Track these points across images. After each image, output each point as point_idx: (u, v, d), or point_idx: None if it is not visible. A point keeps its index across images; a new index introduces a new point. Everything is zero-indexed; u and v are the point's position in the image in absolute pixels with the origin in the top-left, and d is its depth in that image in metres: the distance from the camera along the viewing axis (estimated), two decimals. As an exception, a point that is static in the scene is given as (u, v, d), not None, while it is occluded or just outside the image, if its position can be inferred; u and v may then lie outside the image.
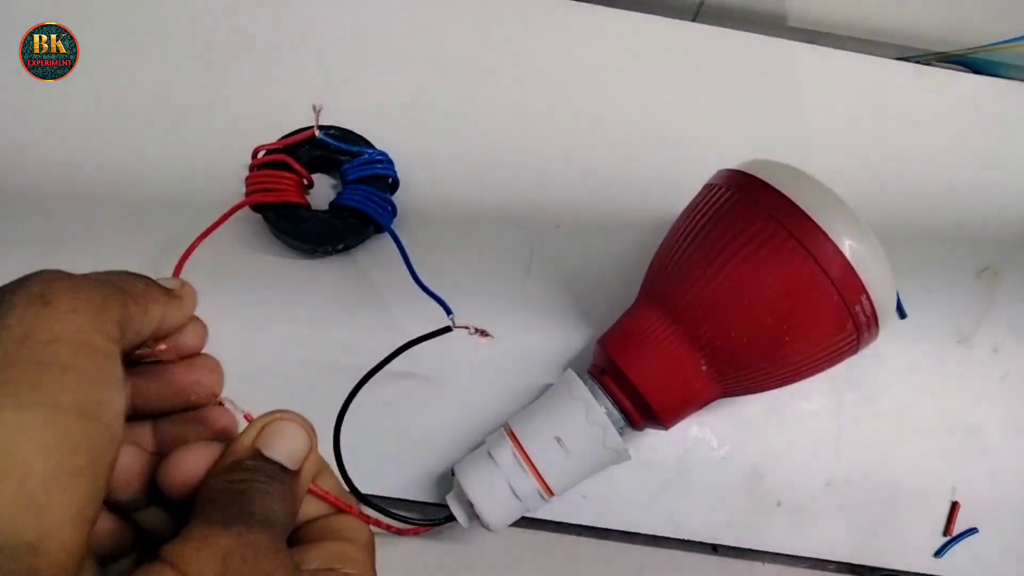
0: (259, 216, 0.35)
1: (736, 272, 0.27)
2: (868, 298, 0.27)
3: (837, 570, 0.35)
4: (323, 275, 0.36)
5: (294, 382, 0.34)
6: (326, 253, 0.36)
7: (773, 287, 0.27)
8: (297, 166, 0.34)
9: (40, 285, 0.17)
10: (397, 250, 0.33)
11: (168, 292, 0.21)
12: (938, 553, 0.35)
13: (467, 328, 0.30)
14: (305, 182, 0.35)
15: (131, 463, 0.21)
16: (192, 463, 0.20)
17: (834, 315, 0.27)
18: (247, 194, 0.34)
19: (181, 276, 0.25)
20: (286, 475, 0.21)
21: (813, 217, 0.27)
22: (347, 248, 0.36)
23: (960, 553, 0.35)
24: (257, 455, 0.20)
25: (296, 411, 0.22)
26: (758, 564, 0.35)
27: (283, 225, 0.34)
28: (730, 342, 0.28)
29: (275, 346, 0.35)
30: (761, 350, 0.28)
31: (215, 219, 0.33)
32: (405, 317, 0.35)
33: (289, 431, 0.21)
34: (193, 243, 0.30)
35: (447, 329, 0.30)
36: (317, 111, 0.34)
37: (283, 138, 0.35)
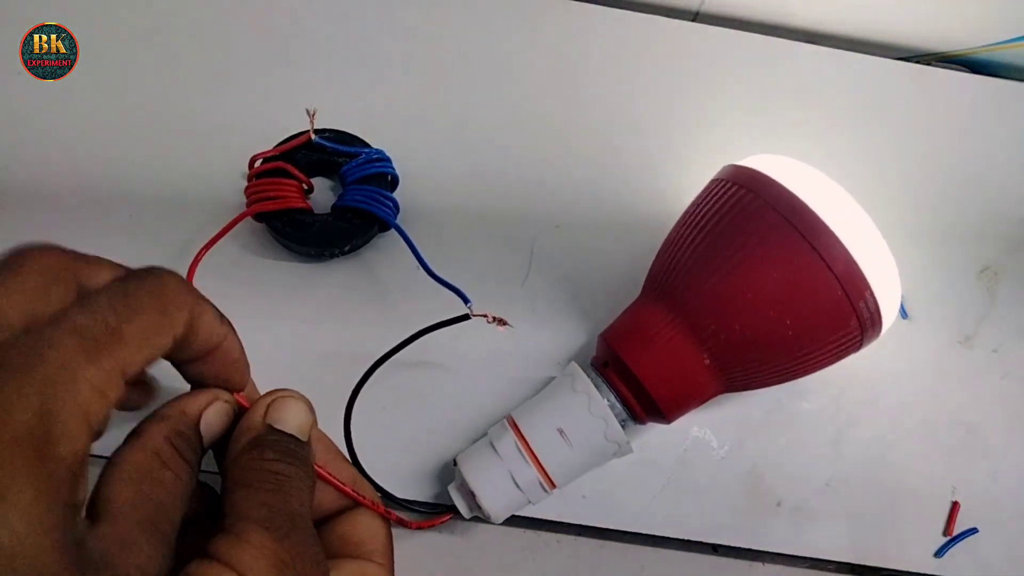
0: (263, 224, 0.34)
1: (741, 267, 0.28)
2: (872, 295, 0.27)
3: (837, 570, 0.35)
4: (332, 277, 0.36)
5: (308, 381, 0.34)
6: (333, 256, 0.36)
7: (778, 283, 0.27)
8: (296, 172, 0.34)
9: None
10: (404, 247, 0.33)
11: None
12: (938, 553, 0.35)
13: (485, 316, 0.30)
14: (305, 187, 0.35)
15: None
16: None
17: (838, 312, 0.27)
18: (248, 204, 0.34)
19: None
20: (300, 446, 0.22)
21: (819, 214, 0.27)
22: (354, 249, 0.36)
23: (960, 553, 0.35)
24: (271, 429, 0.21)
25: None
26: (758, 564, 0.35)
27: (288, 232, 0.34)
28: (733, 336, 0.28)
29: (287, 350, 0.34)
30: (764, 345, 0.28)
31: (217, 218, 0.33)
32: (415, 313, 0.35)
33: (293, 405, 0.22)
34: (197, 255, 0.29)
35: (465, 317, 0.30)
36: (311, 114, 0.33)
37: (279, 144, 0.35)
